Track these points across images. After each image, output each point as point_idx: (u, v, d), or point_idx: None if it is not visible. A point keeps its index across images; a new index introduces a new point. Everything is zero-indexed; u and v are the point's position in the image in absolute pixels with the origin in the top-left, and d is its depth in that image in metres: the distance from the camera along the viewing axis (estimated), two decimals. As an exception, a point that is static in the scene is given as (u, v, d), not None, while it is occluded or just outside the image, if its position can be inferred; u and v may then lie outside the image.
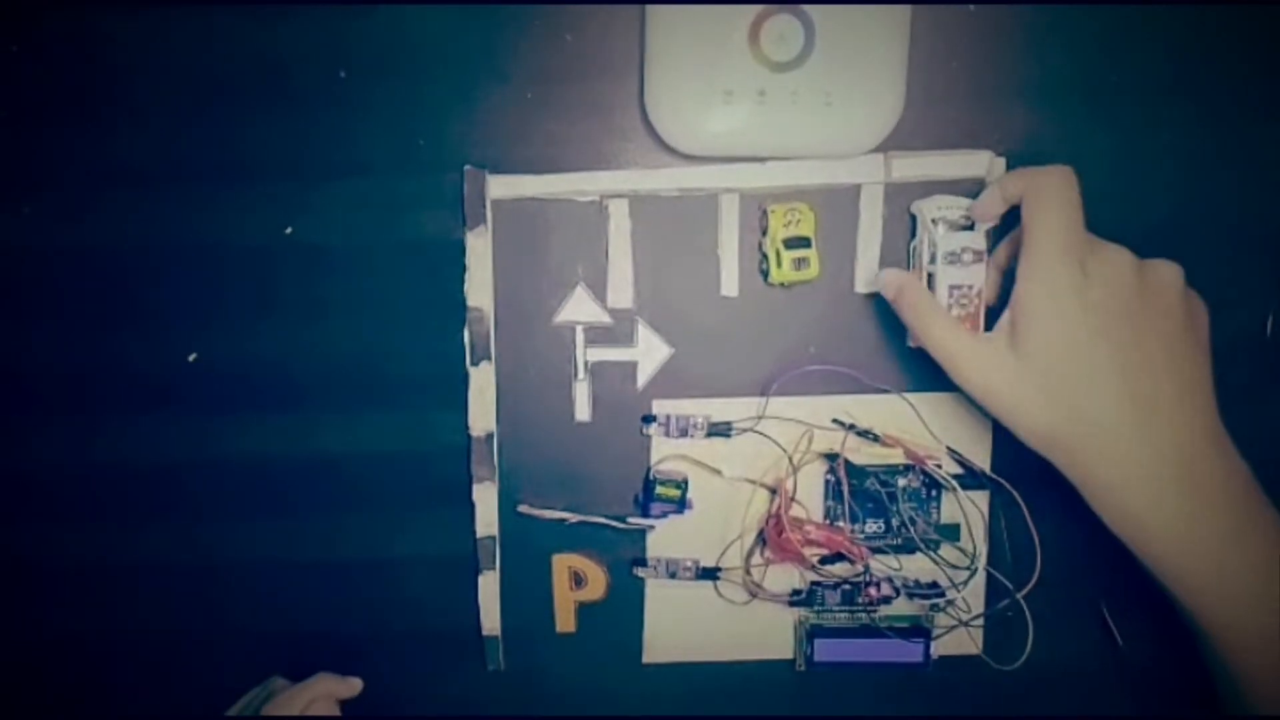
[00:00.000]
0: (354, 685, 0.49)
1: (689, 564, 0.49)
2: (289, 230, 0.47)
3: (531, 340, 0.47)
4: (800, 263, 0.45)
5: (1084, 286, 0.39)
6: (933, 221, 0.44)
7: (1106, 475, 0.40)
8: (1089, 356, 0.39)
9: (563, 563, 0.49)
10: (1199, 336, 0.41)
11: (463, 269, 0.47)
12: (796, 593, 0.49)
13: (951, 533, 0.48)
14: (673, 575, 0.49)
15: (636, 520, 0.48)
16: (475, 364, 0.47)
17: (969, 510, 0.47)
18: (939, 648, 0.48)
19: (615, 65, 0.45)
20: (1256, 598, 0.39)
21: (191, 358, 0.48)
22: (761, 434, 0.47)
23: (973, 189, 0.45)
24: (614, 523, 0.48)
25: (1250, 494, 0.40)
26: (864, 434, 0.47)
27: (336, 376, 0.48)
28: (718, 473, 0.48)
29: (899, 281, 0.44)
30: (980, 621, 0.48)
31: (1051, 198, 0.40)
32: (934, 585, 0.48)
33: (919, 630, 0.48)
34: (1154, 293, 0.40)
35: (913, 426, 0.47)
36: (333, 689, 0.48)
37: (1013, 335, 0.40)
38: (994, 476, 0.47)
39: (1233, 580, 0.39)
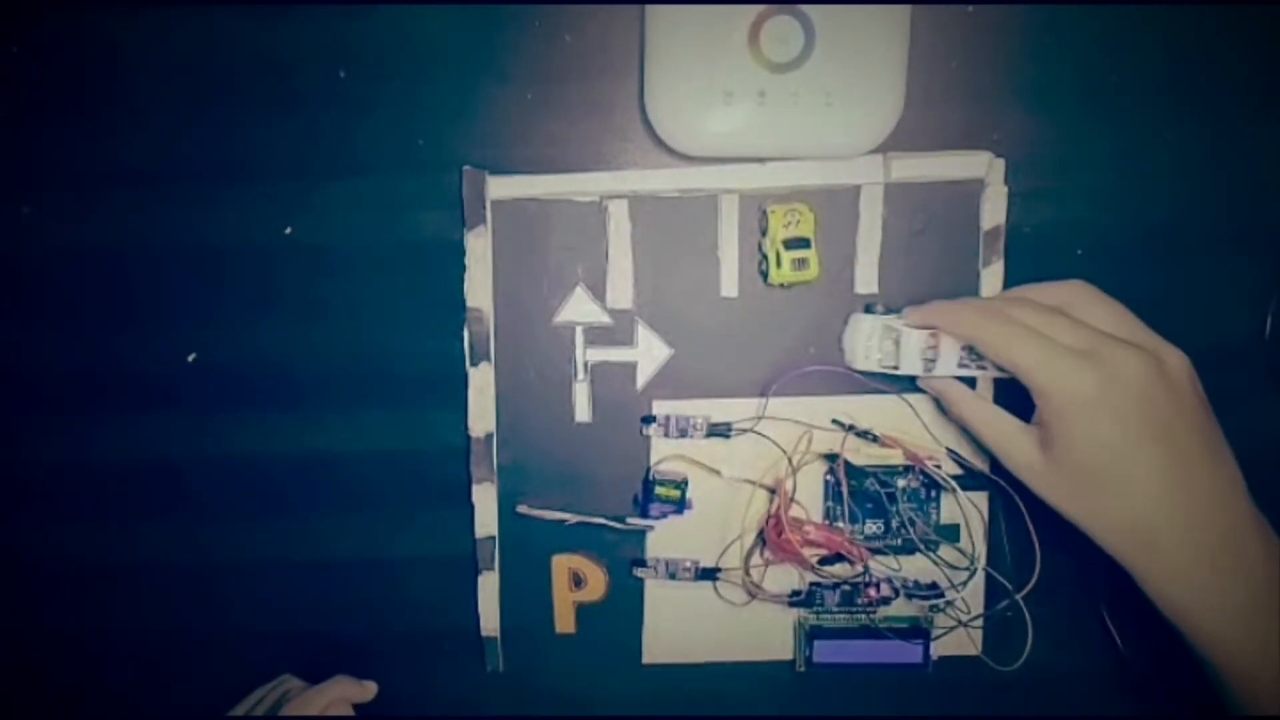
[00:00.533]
0: (369, 689, 0.49)
1: (688, 565, 0.49)
2: (289, 230, 0.47)
3: (531, 340, 0.47)
4: (800, 263, 0.45)
5: (1100, 396, 0.39)
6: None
7: (1160, 571, 0.40)
8: (1126, 462, 0.39)
9: (562, 563, 0.49)
10: (1213, 417, 0.41)
11: (462, 269, 0.47)
12: (796, 593, 0.49)
13: (951, 533, 0.48)
14: (672, 576, 0.49)
15: (636, 521, 0.48)
16: (475, 364, 0.47)
17: (968, 511, 0.47)
18: (938, 649, 0.48)
19: (615, 65, 0.45)
20: None
21: (191, 358, 0.48)
22: (761, 434, 0.47)
23: (972, 190, 0.45)
24: (613, 523, 0.48)
25: None
26: (863, 434, 0.47)
27: (336, 376, 0.48)
28: (717, 473, 0.48)
29: (941, 390, 0.45)
30: (980, 622, 0.48)
31: (1003, 344, 0.41)
32: (933, 586, 0.48)
33: (918, 631, 0.48)
34: (1171, 384, 0.40)
35: (912, 427, 0.47)
36: (349, 692, 0.48)
37: (1046, 448, 0.41)
38: (993, 477, 0.47)
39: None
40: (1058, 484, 0.41)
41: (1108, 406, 0.39)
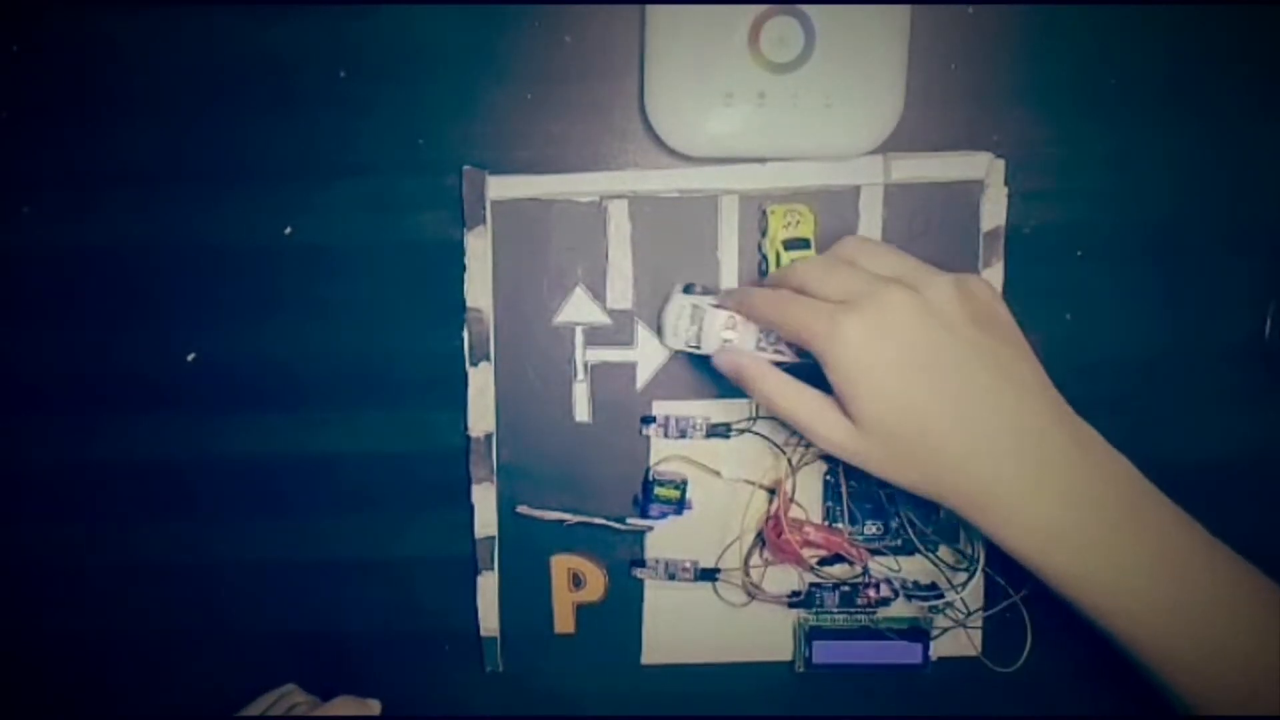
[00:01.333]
0: (373, 708, 0.49)
1: (688, 565, 0.49)
2: (289, 230, 0.47)
3: (531, 341, 0.48)
4: (799, 264, 0.45)
5: (867, 343, 0.38)
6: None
7: (988, 511, 0.39)
8: (912, 406, 0.38)
9: (562, 564, 0.49)
10: (993, 336, 0.39)
11: (462, 269, 0.47)
12: (795, 594, 0.49)
13: (950, 534, 0.48)
14: (672, 576, 0.49)
15: (635, 521, 0.48)
16: (475, 364, 0.47)
17: (968, 512, 0.47)
18: (938, 649, 0.48)
19: (615, 66, 0.45)
20: (1152, 588, 0.38)
21: (191, 358, 0.48)
22: (760, 435, 0.47)
23: (972, 191, 0.46)
24: (613, 524, 0.48)
25: (1121, 478, 0.39)
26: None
27: (336, 376, 0.48)
28: (717, 474, 0.48)
29: (735, 363, 0.43)
30: (979, 623, 0.48)
31: (774, 310, 0.40)
32: (933, 587, 0.48)
33: (918, 632, 0.48)
34: (936, 314, 0.38)
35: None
36: (353, 711, 0.48)
37: (850, 417, 0.39)
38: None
39: (1131, 574, 0.38)
40: (871, 452, 0.39)
41: (878, 353, 0.38)
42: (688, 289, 0.46)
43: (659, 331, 0.46)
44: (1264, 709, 0.38)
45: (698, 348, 0.45)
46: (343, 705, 0.48)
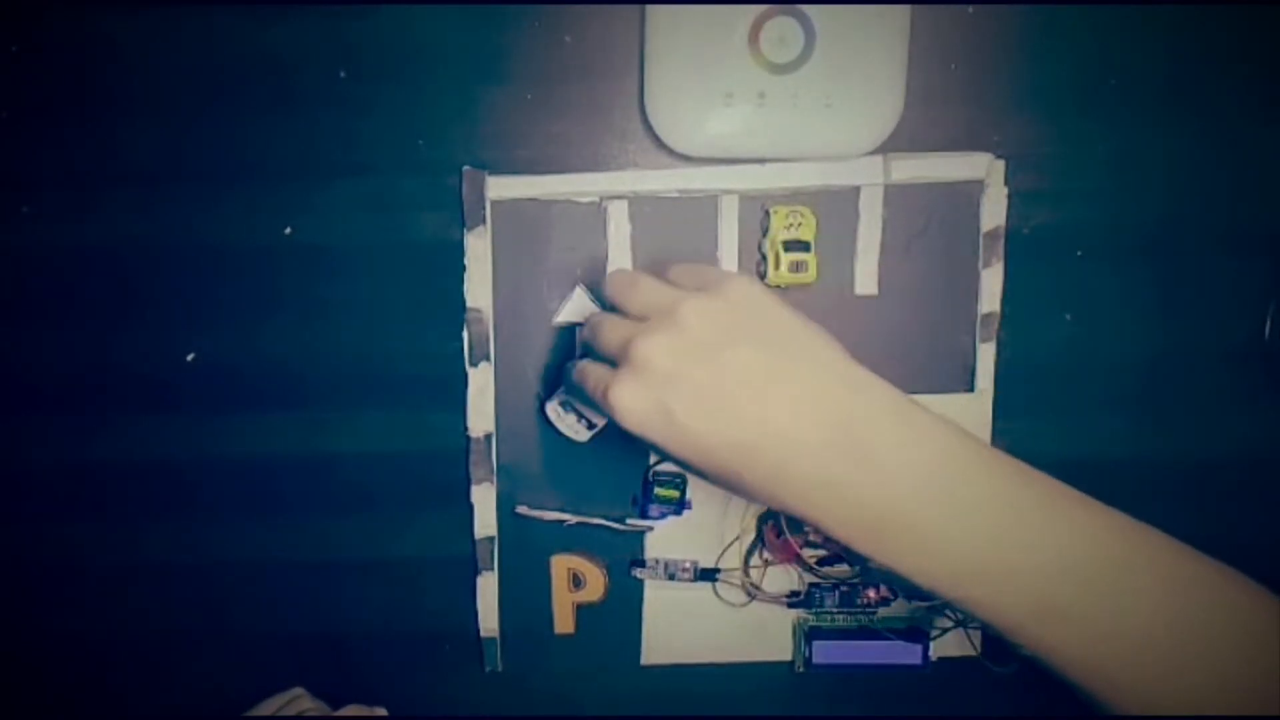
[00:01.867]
0: (379, 715, 0.49)
1: (687, 565, 0.49)
2: (289, 230, 0.47)
3: (531, 341, 0.48)
4: (798, 266, 0.45)
5: (649, 416, 0.36)
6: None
7: (810, 518, 0.36)
8: (704, 450, 0.36)
9: (561, 564, 0.49)
10: (771, 331, 0.37)
11: (462, 269, 0.47)
12: (795, 594, 0.49)
13: (950, 534, 0.48)
14: (671, 576, 0.49)
15: (635, 521, 0.48)
16: (475, 364, 0.47)
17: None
18: (937, 649, 0.48)
19: (615, 65, 0.45)
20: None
21: (191, 358, 0.48)
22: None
23: (972, 191, 0.46)
24: (612, 524, 0.48)
25: (928, 452, 0.36)
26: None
27: (336, 376, 0.48)
28: (717, 474, 0.48)
29: None
30: (978, 623, 0.48)
31: (584, 389, 0.39)
32: (933, 587, 0.48)
33: (917, 632, 0.48)
34: (687, 339, 0.36)
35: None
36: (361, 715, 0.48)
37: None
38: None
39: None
40: (725, 490, 0.38)
41: (649, 413, 0.36)
42: (550, 395, 0.47)
43: (565, 436, 0.47)
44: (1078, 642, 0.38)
45: (595, 426, 0.46)
46: (351, 711, 0.48)
